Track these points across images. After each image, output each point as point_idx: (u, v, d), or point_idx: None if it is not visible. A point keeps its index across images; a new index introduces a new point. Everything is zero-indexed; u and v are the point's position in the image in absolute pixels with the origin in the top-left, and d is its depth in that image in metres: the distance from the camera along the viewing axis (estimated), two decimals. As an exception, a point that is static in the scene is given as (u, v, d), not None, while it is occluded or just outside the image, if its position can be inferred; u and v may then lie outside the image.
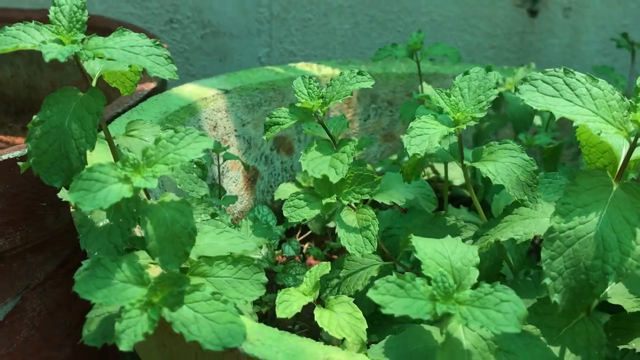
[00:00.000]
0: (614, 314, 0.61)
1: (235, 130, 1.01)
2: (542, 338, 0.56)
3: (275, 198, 0.96)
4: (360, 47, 1.37)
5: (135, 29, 1.14)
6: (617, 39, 1.08)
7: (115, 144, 0.63)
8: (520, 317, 0.45)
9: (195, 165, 0.69)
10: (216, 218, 0.67)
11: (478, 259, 0.51)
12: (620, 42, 1.04)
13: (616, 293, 0.61)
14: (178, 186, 0.67)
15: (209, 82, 1.01)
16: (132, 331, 0.47)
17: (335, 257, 0.90)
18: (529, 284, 0.68)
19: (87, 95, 0.58)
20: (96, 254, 0.55)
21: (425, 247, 0.51)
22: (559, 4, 1.28)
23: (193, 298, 0.50)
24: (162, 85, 1.01)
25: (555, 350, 0.56)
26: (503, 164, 0.62)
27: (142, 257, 0.56)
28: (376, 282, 0.47)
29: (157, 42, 0.58)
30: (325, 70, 1.08)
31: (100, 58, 0.57)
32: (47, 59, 0.52)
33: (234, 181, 1.00)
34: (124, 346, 0.47)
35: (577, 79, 0.50)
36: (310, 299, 0.62)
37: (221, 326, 0.51)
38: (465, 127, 0.62)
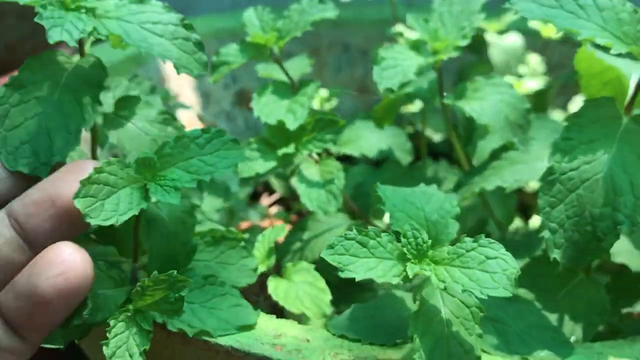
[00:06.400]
0: (614, 274, 0.53)
1: (191, 83, 0.90)
2: (536, 303, 0.47)
3: None
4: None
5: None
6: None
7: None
8: (512, 277, 0.36)
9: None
10: None
11: (458, 210, 0.42)
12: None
13: (620, 250, 0.53)
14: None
15: (159, 29, 0.90)
16: (125, 352, 0.37)
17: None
18: (517, 243, 0.60)
19: (85, 64, 0.44)
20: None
21: (393, 197, 0.42)
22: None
23: None
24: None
25: (552, 317, 0.47)
26: (489, 102, 0.53)
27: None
28: (333, 239, 0.37)
29: (184, 20, 0.44)
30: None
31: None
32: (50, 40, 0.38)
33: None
34: None
35: (580, -14, 0.41)
36: (263, 268, 0.52)
37: (225, 312, 0.42)
38: (445, 58, 0.53)
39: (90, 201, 0.37)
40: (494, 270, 0.36)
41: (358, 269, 0.37)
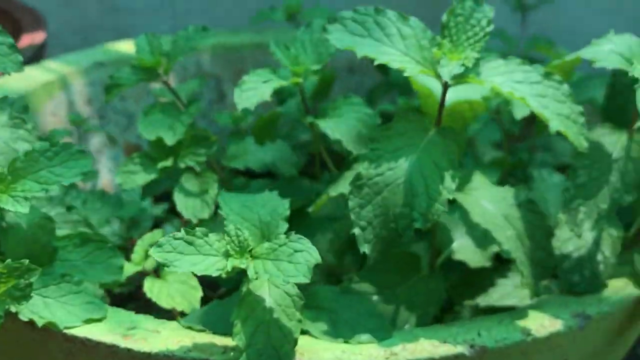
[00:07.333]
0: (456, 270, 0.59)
1: (114, 106, 0.96)
2: (375, 296, 0.53)
3: None
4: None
5: (20, 9, 1.08)
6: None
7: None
8: (311, 267, 0.41)
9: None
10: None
11: (288, 212, 0.48)
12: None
13: (462, 248, 0.59)
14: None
15: (84, 54, 0.95)
16: None
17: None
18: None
19: None
20: None
21: (231, 202, 0.48)
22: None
23: (39, 283, 0.46)
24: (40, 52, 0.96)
25: (389, 308, 0.53)
26: (344, 119, 0.59)
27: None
28: (161, 239, 0.43)
29: None
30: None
31: None
32: None
33: (113, 159, 0.95)
34: None
35: (387, 18, 0.47)
36: (138, 268, 0.57)
37: (77, 307, 0.47)
38: (302, 80, 0.59)
39: None
40: (298, 261, 0.42)
41: (182, 264, 0.42)
